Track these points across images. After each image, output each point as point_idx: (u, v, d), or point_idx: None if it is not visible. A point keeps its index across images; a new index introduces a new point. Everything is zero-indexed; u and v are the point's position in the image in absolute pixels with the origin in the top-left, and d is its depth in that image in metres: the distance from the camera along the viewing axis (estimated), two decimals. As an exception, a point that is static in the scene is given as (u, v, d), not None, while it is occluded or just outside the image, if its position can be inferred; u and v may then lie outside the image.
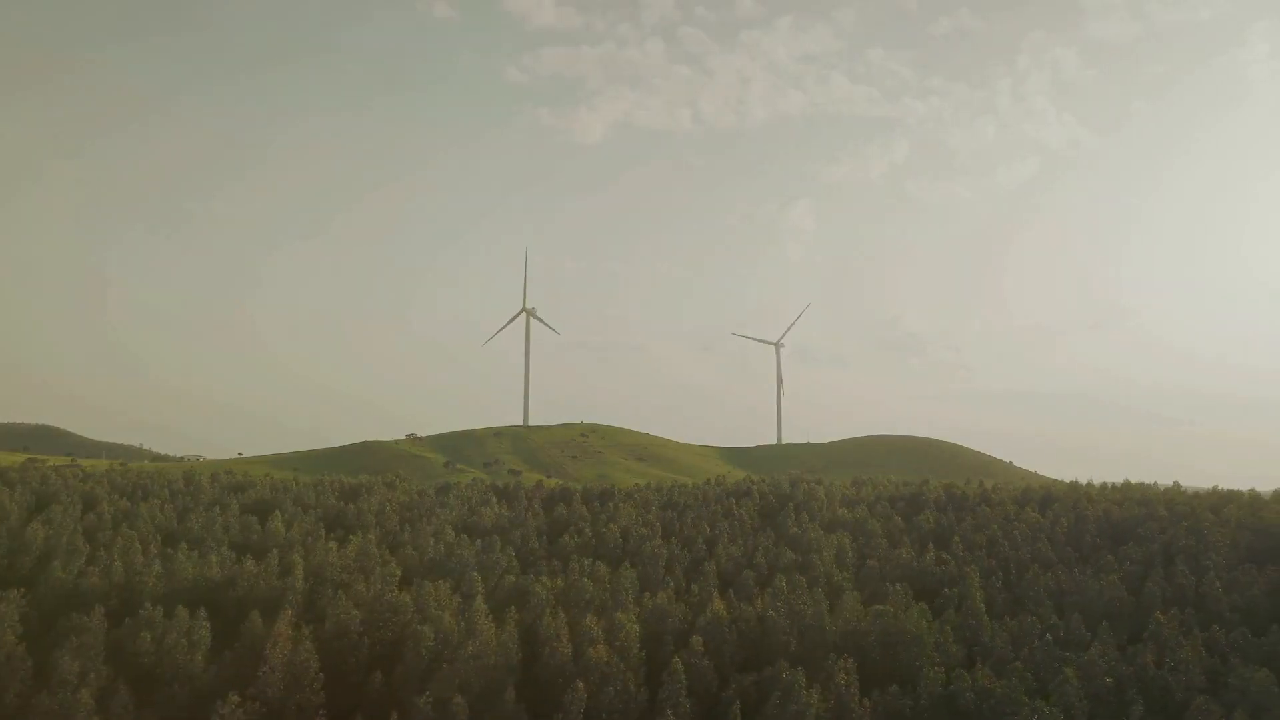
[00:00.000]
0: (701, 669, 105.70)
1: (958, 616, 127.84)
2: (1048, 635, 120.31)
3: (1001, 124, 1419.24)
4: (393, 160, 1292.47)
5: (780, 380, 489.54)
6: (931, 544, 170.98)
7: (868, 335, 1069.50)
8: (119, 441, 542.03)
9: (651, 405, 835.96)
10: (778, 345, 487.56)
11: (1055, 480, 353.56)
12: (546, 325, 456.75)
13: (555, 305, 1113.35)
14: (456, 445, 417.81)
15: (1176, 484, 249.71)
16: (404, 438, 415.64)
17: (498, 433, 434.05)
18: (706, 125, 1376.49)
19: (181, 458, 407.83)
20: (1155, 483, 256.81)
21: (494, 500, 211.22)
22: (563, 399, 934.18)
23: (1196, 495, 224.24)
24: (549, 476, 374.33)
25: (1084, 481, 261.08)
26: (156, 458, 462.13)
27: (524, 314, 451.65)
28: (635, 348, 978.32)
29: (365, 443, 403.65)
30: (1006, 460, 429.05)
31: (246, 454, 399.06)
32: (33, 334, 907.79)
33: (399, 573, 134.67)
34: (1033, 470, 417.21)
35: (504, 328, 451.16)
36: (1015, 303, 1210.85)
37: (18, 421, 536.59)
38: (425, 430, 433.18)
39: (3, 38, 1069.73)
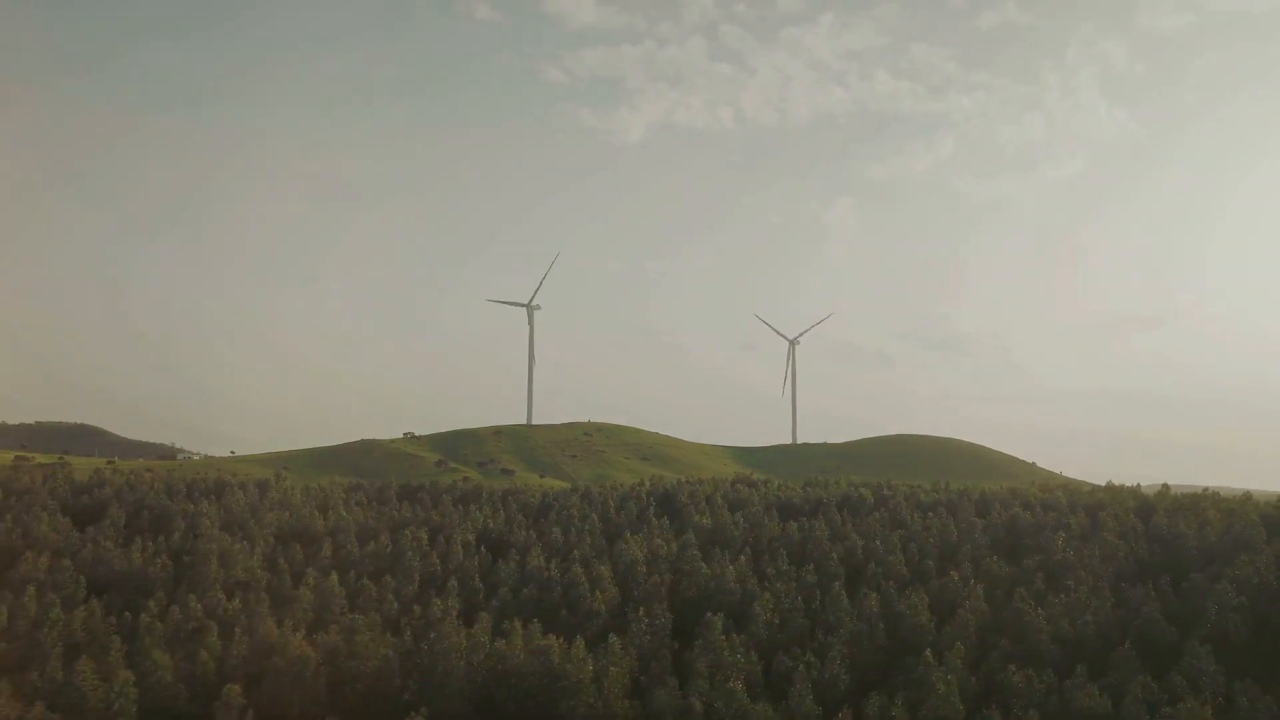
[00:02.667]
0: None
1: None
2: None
3: (1050, 119, 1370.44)
4: (432, 161, 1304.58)
5: (794, 378, 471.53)
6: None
7: (914, 334, 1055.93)
8: (155, 440, 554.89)
9: (682, 406, 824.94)
10: (793, 342, 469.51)
11: (1077, 481, 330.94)
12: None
13: (596, 306, 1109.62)
14: (455, 444, 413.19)
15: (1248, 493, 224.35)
16: (401, 436, 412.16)
17: (498, 431, 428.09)
18: (748, 123, 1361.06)
19: (176, 457, 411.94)
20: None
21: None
22: (580, 399, 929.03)
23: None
24: (543, 476, 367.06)
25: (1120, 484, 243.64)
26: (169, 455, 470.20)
27: (525, 309, 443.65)
28: (677, 348, 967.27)
29: (362, 441, 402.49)
30: (1030, 461, 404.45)
31: (275, 450, 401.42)
32: (68, 337, 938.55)
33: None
34: (1058, 472, 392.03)
35: (505, 303, 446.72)
36: (1066, 300, 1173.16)
37: (59, 421, 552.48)
38: (435, 428, 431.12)
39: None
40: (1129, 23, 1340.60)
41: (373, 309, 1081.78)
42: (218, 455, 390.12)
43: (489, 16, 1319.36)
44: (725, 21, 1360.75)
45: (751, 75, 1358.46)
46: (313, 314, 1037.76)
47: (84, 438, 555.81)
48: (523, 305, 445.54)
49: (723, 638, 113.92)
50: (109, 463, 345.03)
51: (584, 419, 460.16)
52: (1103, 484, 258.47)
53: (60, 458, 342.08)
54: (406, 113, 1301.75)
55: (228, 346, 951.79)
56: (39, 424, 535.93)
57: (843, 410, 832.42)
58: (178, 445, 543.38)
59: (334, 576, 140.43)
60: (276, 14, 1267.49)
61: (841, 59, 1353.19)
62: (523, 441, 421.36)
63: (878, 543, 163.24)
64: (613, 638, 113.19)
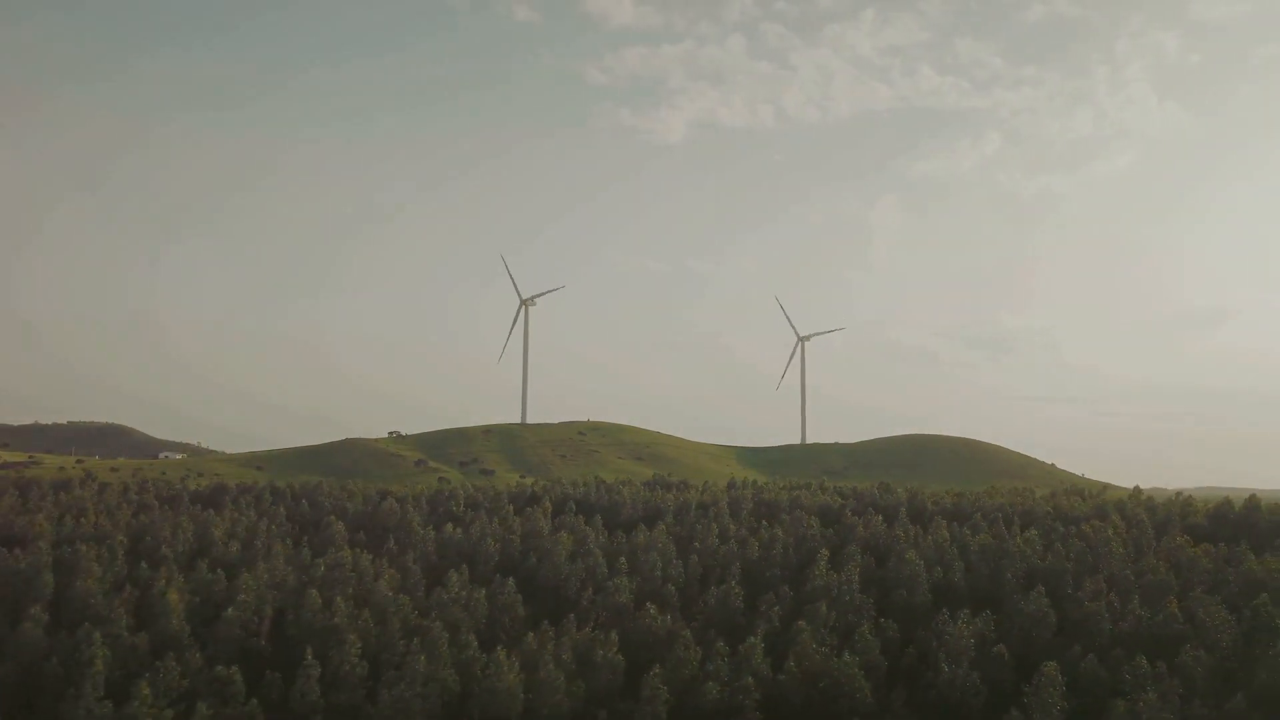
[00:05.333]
0: None
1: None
2: None
3: (1099, 113, 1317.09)
4: (472, 162, 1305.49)
5: (803, 377, 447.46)
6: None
7: (961, 333, 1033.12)
8: (180, 440, 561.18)
9: (713, 405, 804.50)
10: (802, 340, 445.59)
11: (1091, 482, 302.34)
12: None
13: (637, 306, 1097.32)
14: (441, 443, 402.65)
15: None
16: (385, 435, 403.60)
17: (487, 430, 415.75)
18: (790, 122, 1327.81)
19: (159, 455, 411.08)
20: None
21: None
22: (608, 398, 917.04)
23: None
24: (524, 476, 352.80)
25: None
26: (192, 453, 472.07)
27: (523, 305, 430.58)
28: (722, 348, 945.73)
29: (345, 440, 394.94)
30: (1049, 462, 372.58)
31: (266, 449, 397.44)
32: (98, 340, 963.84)
33: None
34: (1079, 473, 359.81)
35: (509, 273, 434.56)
36: (1115, 299, 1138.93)
37: (90, 420, 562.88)
38: (440, 426, 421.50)
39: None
40: (1181, 13, 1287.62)
41: (407, 311, 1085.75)
42: (204, 454, 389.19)
43: (528, 17, 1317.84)
44: (765, 19, 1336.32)
45: (793, 73, 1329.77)
46: (343, 318, 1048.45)
47: (113, 437, 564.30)
48: (519, 301, 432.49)
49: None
50: (78, 462, 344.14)
51: (584, 418, 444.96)
52: (1139, 486, 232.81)
53: (29, 456, 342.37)
54: (446, 114, 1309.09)
55: (254, 349, 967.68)
56: (71, 424, 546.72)
57: (882, 409, 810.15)
58: (202, 444, 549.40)
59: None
60: (315, 16, 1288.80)
61: (884, 55, 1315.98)
62: (514, 440, 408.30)
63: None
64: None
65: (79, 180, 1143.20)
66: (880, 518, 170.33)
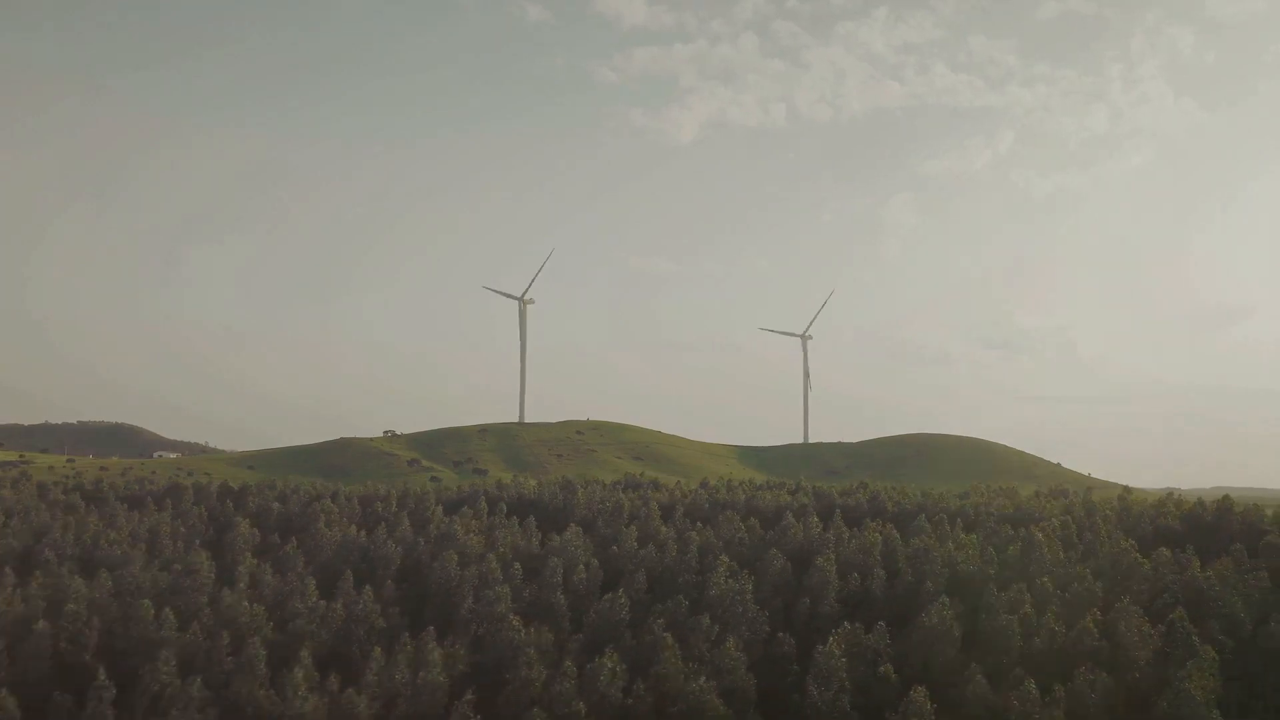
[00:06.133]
0: None
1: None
2: None
3: (1114, 110, 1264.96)
4: (483, 163, 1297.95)
5: (807, 375, 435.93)
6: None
7: (974, 332, 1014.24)
8: (190, 439, 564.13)
9: (723, 407, 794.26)
10: (804, 337, 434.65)
11: (1098, 481, 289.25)
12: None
13: (650, 307, 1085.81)
14: (437, 442, 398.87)
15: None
16: (381, 434, 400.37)
17: (483, 429, 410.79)
18: (802, 120, 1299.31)
19: (153, 455, 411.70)
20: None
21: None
22: (617, 398, 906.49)
23: None
24: (515, 476, 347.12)
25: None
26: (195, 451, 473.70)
27: (518, 302, 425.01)
28: (734, 348, 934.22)
29: (340, 439, 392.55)
30: (1054, 461, 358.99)
31: (262, 448, 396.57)
32: (110, 340, 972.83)
33: None
34: (1086, 473, 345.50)
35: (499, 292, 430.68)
36: (1132, 299, 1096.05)
37: (101, 420, 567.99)
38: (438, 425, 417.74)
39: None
40: (1197, 9, 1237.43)
41: (413, 311, 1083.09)
42: (211, 453, 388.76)
43: (540, 17, 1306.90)
44: (777, 17, 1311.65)
45: (805, 71, 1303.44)
46: (353, 318, 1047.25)
47: (124, 436, 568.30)
48: (514, 298, 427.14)
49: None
50: (69, 461, 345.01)
51: (587, 419, 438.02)
52: (1128, 486, 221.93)
53: (20, 456, 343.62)
54: (457, 114, 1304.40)
55: (266, 349, 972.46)
56: (81, 424, 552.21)
57: (893, 408, 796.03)
58: (211, 444, 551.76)
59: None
60: (325, 17, 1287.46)
61: (897, 53, 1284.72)
62: (510, 440, 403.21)
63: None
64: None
65: (91, 181, 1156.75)
66: (817, 519, 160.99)
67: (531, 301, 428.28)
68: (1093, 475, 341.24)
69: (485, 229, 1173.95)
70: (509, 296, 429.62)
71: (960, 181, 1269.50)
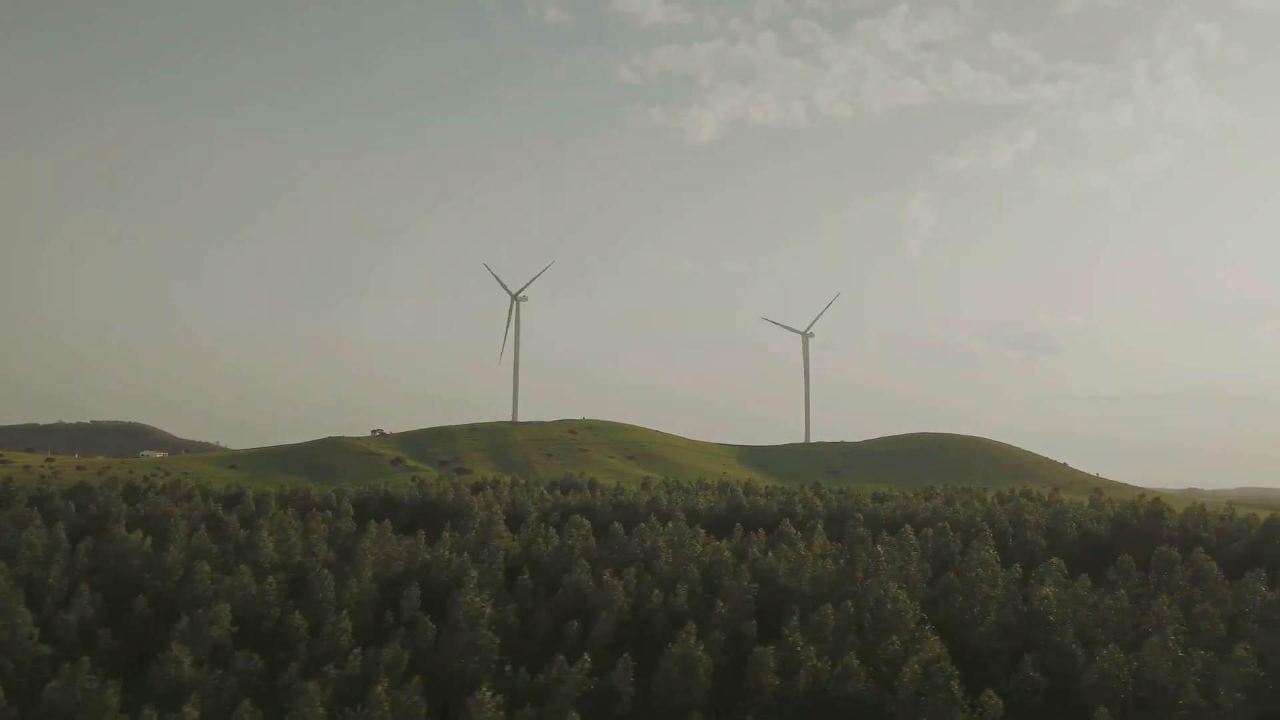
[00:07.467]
0: None
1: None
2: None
3: (1139, 107, 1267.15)
4: (501, 164, 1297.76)
5: (808, 373, 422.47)
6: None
7: (997, 331, 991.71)
8: (200, 439, 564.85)
9: (738, 404, 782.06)
10: (806, 334, 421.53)
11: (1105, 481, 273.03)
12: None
13: (672, 306, 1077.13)
14: (425, 442, 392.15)
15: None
16: (369, 434, 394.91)
17: (473, 429, 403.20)
18: (822, 119, 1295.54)
19: (139, 454, 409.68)
20: None
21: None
22: (608, 398, 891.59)
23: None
24: (501, 474, 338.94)
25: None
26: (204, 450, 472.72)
27: (513, 300, 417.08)
28: (757, 346, 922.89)
29: (327, 439, 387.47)
30: (1061, 461, 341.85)
31: (251, 447, 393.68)
32: (123, 341, 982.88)
33: None
34: (1094, 473, 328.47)
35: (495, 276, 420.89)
36: (1156, 298, 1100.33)
37: (114, 420, 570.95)
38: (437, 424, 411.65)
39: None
40: (1223, 3, 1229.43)
41: (421, 311, 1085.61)
42: (215, 451, 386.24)
43: (559, 18, 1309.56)
44: (796, 16, 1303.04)
45: (824, 70, 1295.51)
46: (367, 319, 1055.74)
47: (135, 436, 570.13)
48: (509, 292, 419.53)
49: None
50: (47, 460, 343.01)
51: (582, 417, 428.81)
52: (1099, 490, 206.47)
53: None
54: (477, 116, 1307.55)
55: (277, 350, 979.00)
56: (94, 423, 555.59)
57: (914, 407, 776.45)
58: (221, 443, 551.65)
59: None
60: (344, 20, 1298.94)
61: (918, 50, 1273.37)
62: (500, 439, 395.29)
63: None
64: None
65: (106, 183, 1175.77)
66: (740, 526, 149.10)
67: (525, 299, 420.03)
68: (1101, 475, 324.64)
69: (503, 231, 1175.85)
70: (504, 289, 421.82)
71: (982, 180, 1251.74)
